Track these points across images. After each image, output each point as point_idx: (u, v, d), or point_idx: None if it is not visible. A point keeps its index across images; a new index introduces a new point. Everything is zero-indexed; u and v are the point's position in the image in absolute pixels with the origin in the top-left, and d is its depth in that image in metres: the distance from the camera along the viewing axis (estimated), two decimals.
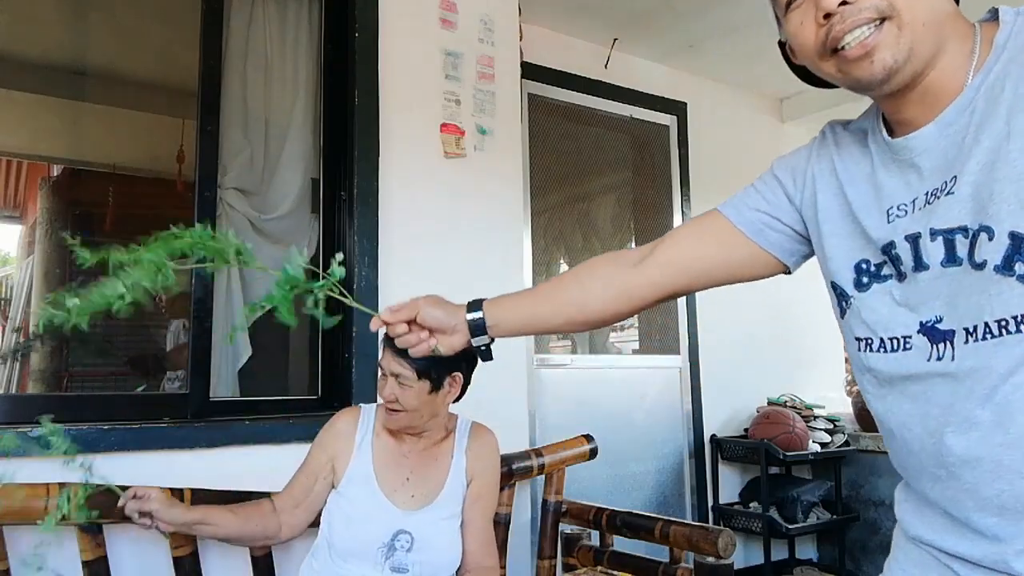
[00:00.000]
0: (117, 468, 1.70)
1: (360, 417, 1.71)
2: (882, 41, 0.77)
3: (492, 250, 2.46)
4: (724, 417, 3.78)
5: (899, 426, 0.85)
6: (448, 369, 1.63)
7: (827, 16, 0.79)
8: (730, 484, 3.74)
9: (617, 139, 3.79)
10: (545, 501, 2.21)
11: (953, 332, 0.79)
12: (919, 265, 0.82)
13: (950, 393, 0.78)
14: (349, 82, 2.25)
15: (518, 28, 2.64)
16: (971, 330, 0.77)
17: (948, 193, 0.79)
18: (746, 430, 3.67)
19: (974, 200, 0.76)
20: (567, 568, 2.11)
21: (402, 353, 1.56)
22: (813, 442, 3.56)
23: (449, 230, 2.37)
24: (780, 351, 3.96)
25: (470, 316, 1.05)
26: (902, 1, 0.77)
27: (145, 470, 1.73)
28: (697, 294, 3.69)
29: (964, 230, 0.77)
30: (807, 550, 3.94)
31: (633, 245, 3.83)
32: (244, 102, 2.26)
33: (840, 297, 0.91)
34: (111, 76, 3.39)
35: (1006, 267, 0.73)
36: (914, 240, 0.82)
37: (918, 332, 0.82)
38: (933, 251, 0.80)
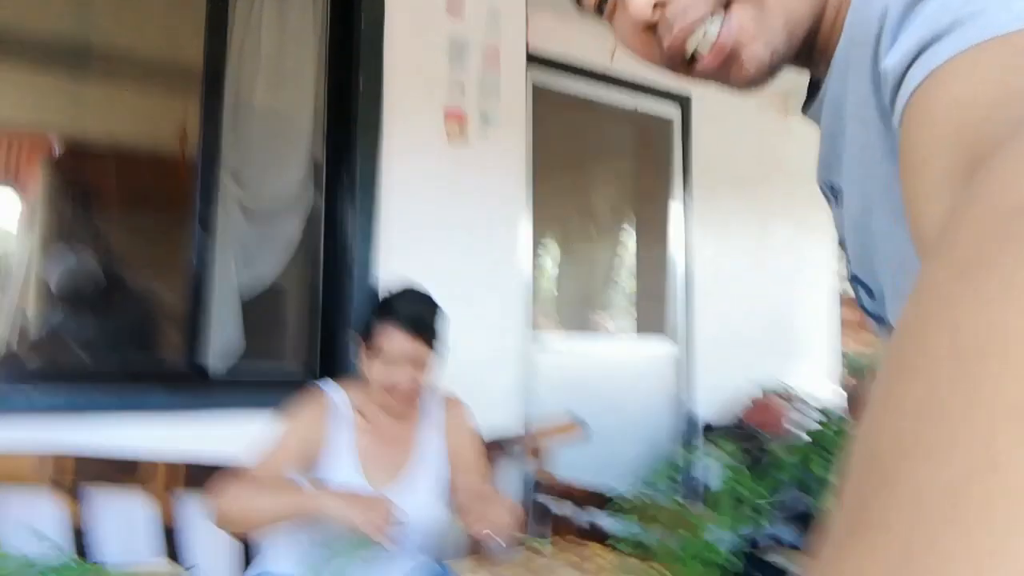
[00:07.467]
0: (113, 435, 1.74)
1: (328, 403, 1.58)
2: (741, 34, 0.53)
3: (493, 236, 2.49)
4: (717, 404, 3.82)
5: None
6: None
7: (649, 26, 0.56)
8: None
9: (621, 130, 3.81)
10: (537, 483, 2.25)
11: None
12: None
13: None
14: (354, 68, 2.27)
15: (525, 17, 2.66)
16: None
17: (838, 202, 0.62)
18: (740, 418, 3.72)
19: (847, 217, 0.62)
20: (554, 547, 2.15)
21: (423, 332, 1.54)
22: (805, 432, 3.61)
23: (451, 215, 2.40)
24: (774, 340, 3.99)
25: None
26: None
27: (141, 437, 1.76)
28: (694, 279, 3.73)
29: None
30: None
31: (634, 235, 3.87)
32: (247, 86, 2.28)
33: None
34: (114, 55, 3.40)
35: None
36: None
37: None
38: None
